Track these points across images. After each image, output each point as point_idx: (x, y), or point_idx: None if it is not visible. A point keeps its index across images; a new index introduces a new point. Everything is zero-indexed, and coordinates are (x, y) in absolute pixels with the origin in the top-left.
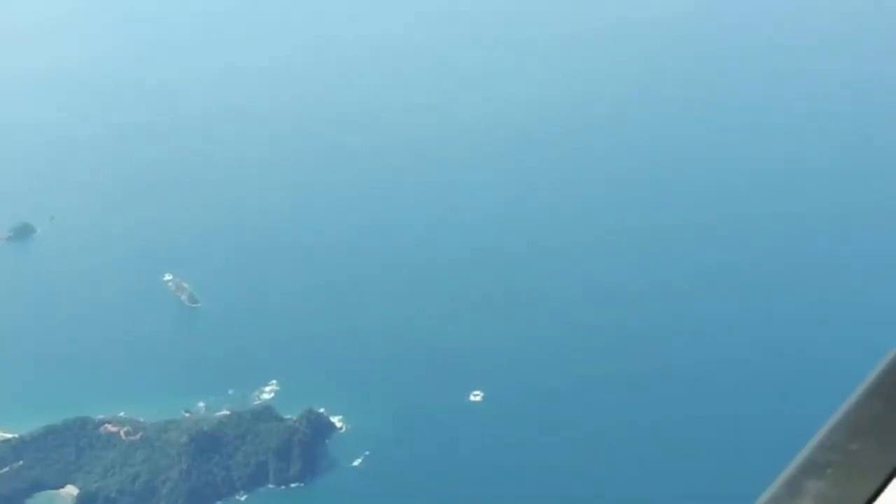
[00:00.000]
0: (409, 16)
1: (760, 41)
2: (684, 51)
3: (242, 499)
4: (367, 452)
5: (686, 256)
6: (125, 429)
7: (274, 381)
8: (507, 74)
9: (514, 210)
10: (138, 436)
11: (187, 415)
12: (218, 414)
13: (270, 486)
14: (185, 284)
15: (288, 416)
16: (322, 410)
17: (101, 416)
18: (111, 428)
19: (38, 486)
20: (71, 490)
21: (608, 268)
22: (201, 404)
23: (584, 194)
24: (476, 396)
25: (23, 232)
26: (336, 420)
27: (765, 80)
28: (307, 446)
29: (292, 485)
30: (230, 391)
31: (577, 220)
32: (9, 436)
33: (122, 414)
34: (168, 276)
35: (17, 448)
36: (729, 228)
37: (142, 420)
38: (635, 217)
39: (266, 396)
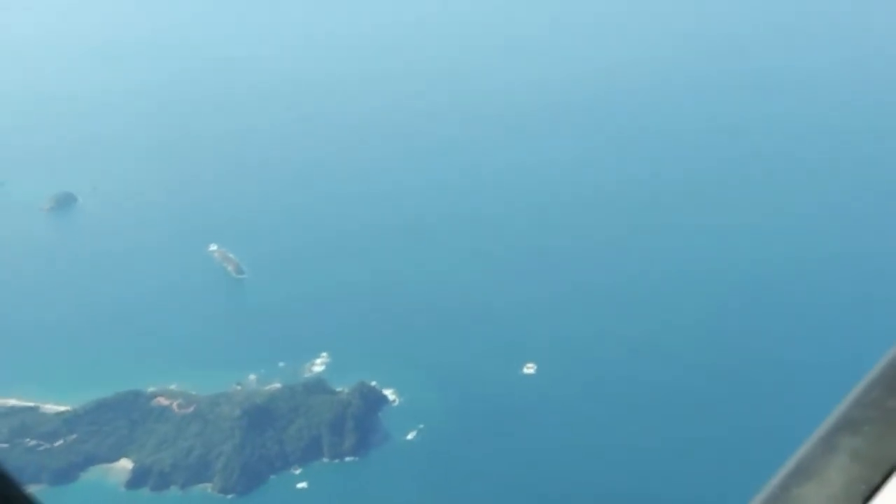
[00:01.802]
0: None
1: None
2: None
3: (297, 473)
4: (420, 426)
5: (739, 235)
6: (178, 402)
7: (324, 353)
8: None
9: (571, 183)
10: (191, 409)
11: (239, 388)
12: (269, 387)
13: (324, 459)
14: (230, 255)
15: (340, 389)
16: (374, 383)
17: (152, 389)
18: (164, 401)
19: (92, 460)
20: (125, 464)
21: (666, 245)
22: (252, 377)
23: (642, 166)
24: (529, 369)
25: (65, 201)
26: (388, 393)
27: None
28: (360, 420)
29: (346, 459)
30: (281, 363)
31: (638, 195)
32: (62, 409)
33: (173, 387)
34: (213, 247)
35: (70, 421)
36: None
37: (194, 393)
38: (690, 193)
39: (317, 369)
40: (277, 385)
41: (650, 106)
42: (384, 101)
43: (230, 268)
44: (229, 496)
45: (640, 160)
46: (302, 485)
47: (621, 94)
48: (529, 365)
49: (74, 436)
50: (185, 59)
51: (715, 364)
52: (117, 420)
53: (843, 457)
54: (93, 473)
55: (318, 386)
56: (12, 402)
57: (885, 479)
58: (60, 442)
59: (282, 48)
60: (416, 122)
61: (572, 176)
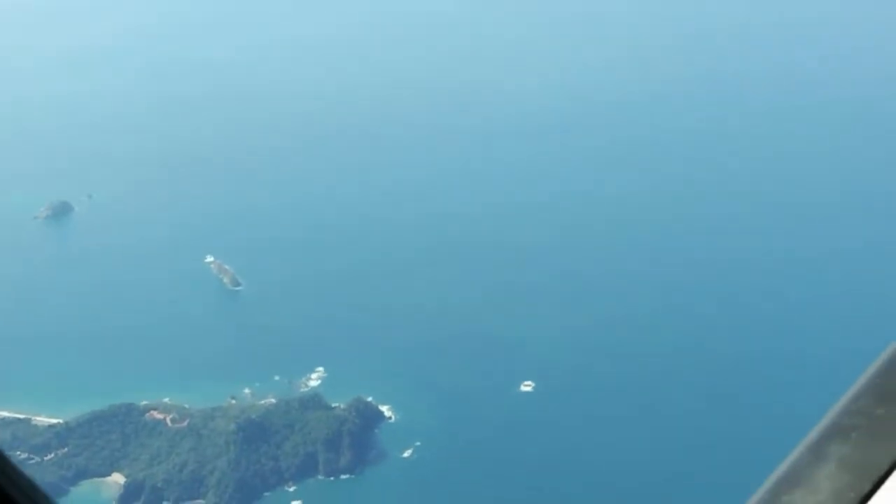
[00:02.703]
0: None
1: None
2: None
3: (291, 490)
4: (417, 443)
5: (737, 242)
6: (171, 416)
7: (320, 368)
8: (554, 56)
9: (568, 199)
10: (185, 423)
11: (233, 402)
12: (264, 401)
13: (320, 476)
14: (227, 266)
15: (336, 405)
16: (370, 399)
17: (145, 402)
18: (157, 415)
19: (84, 474)
20: (117, 478)
21: (663, 254)
22: (247, 391)
23: (635, 178)
24: (527, 387)
25: (61, 210)
26: (385, 409)
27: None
28: (356, 436)
29: (342, 476)
30: (276, 377)
31: (630, 205)
32: (53, 421)
33: (166, 400)
34: (210, 258)
35: (61, 434)
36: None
37: (187, 407)
38: (682, 203)
39: (313, 383)
40: (272, 400)
41: (654, 115)
42: (389, 113)
43: (226, 279)
44: None
45: (640, 172)
46: (297, 502)
47: (624, 106)
48: (527, 382)
49: (66, 449)
50: (182, 68)
51: (718, 382)
52: (110, 434)
53: (831, 465)
54: (84, 488)
55: (313, 401)
56: (3, 413)
57: (875, 487)
58: (52, 455)
59: (279, 55)
60: (419, 136)
61: (570, 192)
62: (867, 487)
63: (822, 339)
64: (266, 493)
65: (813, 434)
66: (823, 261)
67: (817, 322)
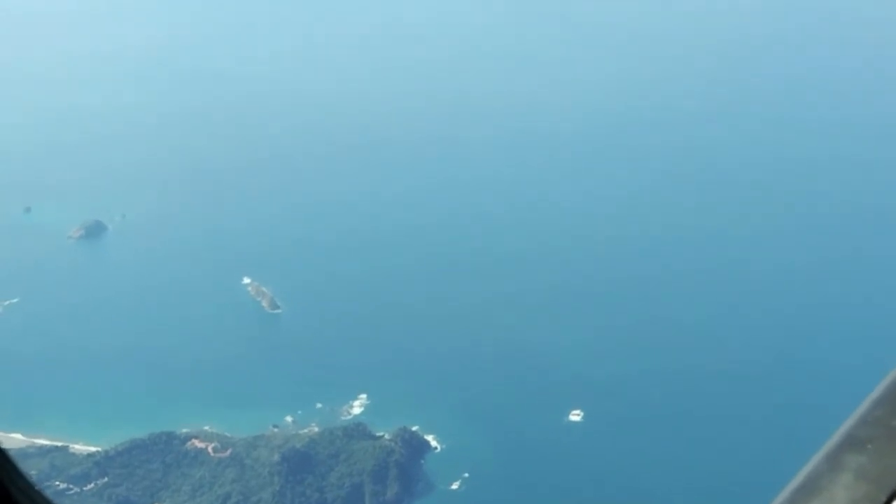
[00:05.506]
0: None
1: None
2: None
3: None
4: (465, 474)
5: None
6: (213, 444)
7: (363, 395)
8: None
9: (615, 224)
10: (227, 452)
11: (276, 430)
12: (308, 430)
13: None
14: (264, 289)
15: (380, 434)
16: (416, 428)
17: (186, 430)
18: (198, 443)
19: None
20: None
21: (716, 288)
22: (289, 419)
23: (686, 201)
24: (576, 416)
25: (94, 230)
26: (430, 439)
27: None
28: (403, 467)
29: None
30: (318, 405)
31: (652, 218)
32: (92, 449)
33: (207, 428)
34: (247, 280)
35: (101, 463)
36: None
37: (229, 435)
38: (732, 225)
39: (356, 411)
40: (316, 428)
41: (663, 125)
42: (423, 130)
43: (264, 302)
44: None
45: (683, 195)
46: None
47: (646, 119)
48: (576, 412)
49: (106, 479)
50: (218, 87)
51: (768, 409)
52: (150, 463)
53: (848, 475)
54: None
55: (358, 430)
56: (41, 441)
57: (891, 497)
58: (91, 485)
59: (315, 74)
60: (458, 152)
61: (618, 216)
62: (883, 498)
63: (838, 350)
64: None
65: (829, 444)
66: (838, 271)
67: (834, 333)
